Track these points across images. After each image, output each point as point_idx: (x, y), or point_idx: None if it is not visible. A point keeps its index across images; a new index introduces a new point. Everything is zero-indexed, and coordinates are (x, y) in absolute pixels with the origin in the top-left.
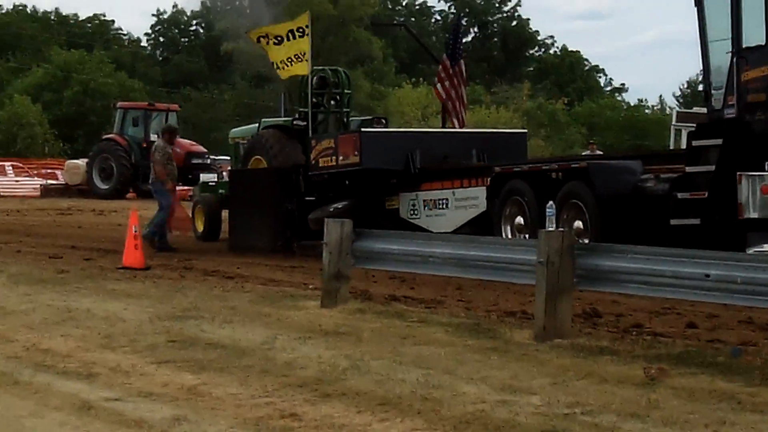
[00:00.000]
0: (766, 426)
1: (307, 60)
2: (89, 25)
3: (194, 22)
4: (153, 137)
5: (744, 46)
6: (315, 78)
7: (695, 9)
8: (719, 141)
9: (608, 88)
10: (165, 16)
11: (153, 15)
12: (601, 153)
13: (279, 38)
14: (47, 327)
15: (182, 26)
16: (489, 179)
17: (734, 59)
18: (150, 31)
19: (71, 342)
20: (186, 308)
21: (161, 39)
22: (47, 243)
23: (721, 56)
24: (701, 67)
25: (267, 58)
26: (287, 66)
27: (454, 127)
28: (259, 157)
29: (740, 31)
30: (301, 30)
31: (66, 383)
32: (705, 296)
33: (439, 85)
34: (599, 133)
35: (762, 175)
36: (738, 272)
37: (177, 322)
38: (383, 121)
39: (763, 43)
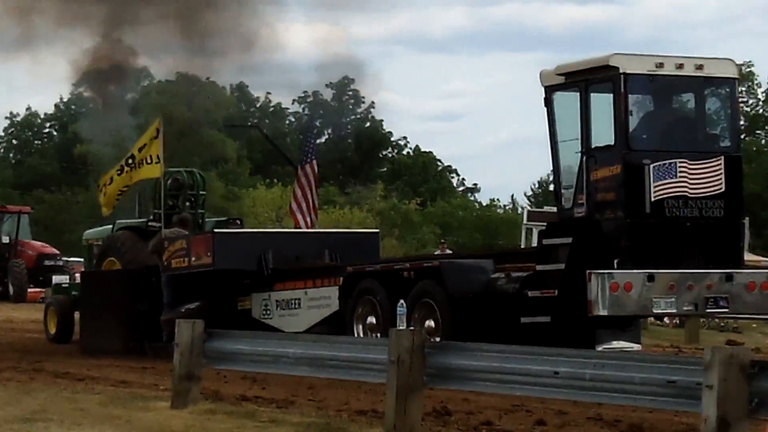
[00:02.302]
0: None
1: (159, 162)
2: None
3: (48, 124)
4: (4, 239)
5: (593, 146)
6: (169, 179)
7: (545, 110)
8: (569, 239)
9: (461, 188)
10: (18, 119)
11: (6, 117)
12: (451, 252)
13: (130, 159)
14: None
15: (35, 128)
16: (341, 279)
17: (584, 159)
18: (2, 134)
19: None
20: (35, 410)
21: (14, 141)
22: None
23: (571, 156)
24: (552, 167)
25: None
26: (138, 167)
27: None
28: (113, 258)
29: (590, 132)
30: (156, 131)
31: None
32: (554, 393)
33: (299, 191)
34: (452, 233)
35: (611, 273)
36: (587, 369)
37: (25, 425)
38: (238, 222)
39: (612, 143)
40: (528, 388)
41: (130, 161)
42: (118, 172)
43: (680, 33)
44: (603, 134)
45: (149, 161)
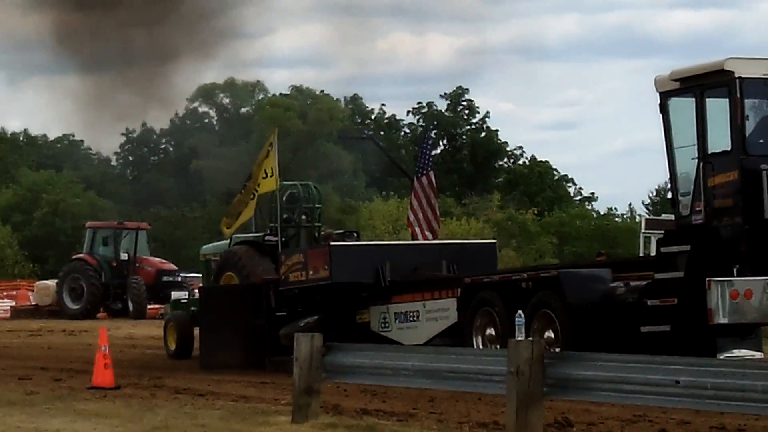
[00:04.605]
0: None
1: (273, 176)
2: (58, 145)
3: (163, 140)
4: (123, 256)
5: (710, 152)
6: (285, 193)
7: (661, 117)
8: (687, 247)
9: (578, 198)
10: (134, 135)
11: (122, 134)
12: None
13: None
14: None
15: (152, 144)
16: (459, 290)
17: (700, 165)
18: (119, 150)
19: None
20: (156, 427)
21: (130, 158)
22: (17, 365)
23: (688, 163)
24: (668, 174)
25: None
26: (257, 184)
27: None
28: (230, 273)
29: (706, 138)
30: (270, 146)
31: None
32: (676, 402)
33: (415, 202)
34: (570, 243)
35: (731, 280)
36: (708, 378)
37: None
38: (355, 234)
39: (729, 148)
40: (649, 398)
41: (249, 180)
42: (241, 191)
43: None
44: (719, 140)
45: (265, 176)
